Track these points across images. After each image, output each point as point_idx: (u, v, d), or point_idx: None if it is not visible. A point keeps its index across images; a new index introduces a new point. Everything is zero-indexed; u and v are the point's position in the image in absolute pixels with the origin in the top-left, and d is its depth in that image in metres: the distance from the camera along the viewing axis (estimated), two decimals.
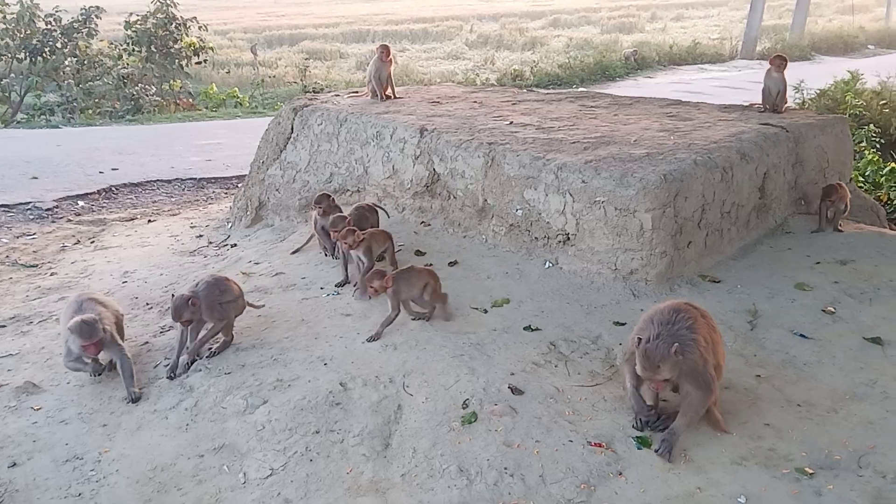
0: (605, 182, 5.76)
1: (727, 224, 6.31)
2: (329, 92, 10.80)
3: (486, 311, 5.55)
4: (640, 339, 4.13)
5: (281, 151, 8.59)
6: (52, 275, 7.91)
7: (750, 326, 5.32)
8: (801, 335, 5.21)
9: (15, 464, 4.61)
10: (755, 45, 31.35)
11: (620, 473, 4.05)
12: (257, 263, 7.03)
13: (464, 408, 4.55)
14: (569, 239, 5.98)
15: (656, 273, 5.70)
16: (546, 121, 7.47)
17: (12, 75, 21.56)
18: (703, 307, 4.52)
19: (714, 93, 19.66)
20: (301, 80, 25.41)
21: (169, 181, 11.73)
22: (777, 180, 6.81)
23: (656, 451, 4.12)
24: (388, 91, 8.65)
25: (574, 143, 6.57)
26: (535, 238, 6.19)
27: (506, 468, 4.12)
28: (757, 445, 4.20)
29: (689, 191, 5.84)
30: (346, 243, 5.92)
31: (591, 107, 8.28)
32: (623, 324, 5.25)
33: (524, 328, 5.28)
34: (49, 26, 21.61)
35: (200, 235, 8.72)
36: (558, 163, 6.06)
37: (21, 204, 10.29)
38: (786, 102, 7.75)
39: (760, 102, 7.86)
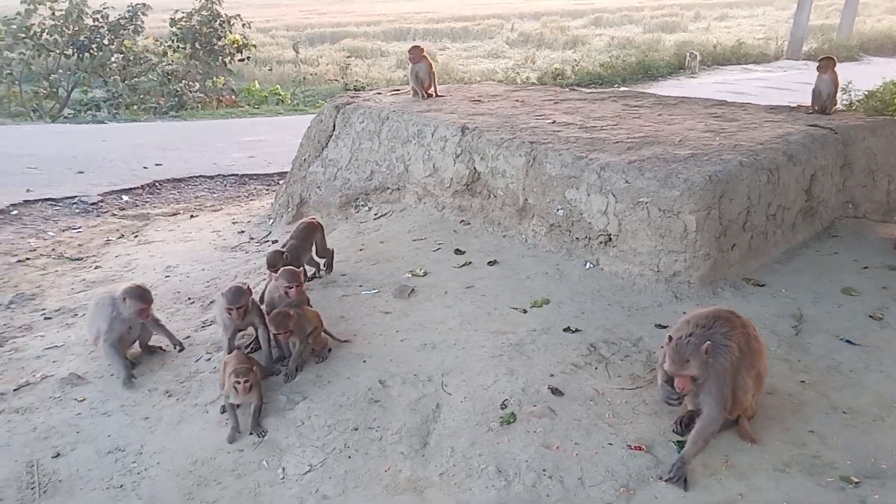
0: (649, 182, 5.69)
1: (772, 227, 6.20)
2: (371, 90, 10.84)
3: (525, 312, 5.51)
4: (671, 336, 4.09)
5: (323, 149, 8.63)
6: (96, 268, 8.04)
7: (794, 331, 5.22)
8: (848, 341, 5.10)
9: (59, 454, 4.69)
10: (801, 45, 30.80)
11: (661, 478, 4.00)
12: None
13: (502, 408, 4.53)
14: (610, 240, 5.92)
15: (699, 275, 5.62)
16: (589, 120, 7.41)
17: (60, 71, 21.99)
18: (746, 312, 4.46)
19: (759, 93, 19.37)
20: (342, 77, 25.55)
21: (211, 177, 11.86)
22: (825, 183, 6.67)
23: (668, 479, 3.99)
24: (430, 89, 8.65)
25: (617, 142, 6.50)
26: (576, 238, 6.15)
27: (544, 470, 4.10)
28: (801, 452, 4.12)
29: (735, 192, 5.75)
30: (286, 330, 5.04)
31: (635, 106, 8.20)
32: (665, 326, 5.18)
33: (564, 329, 5.24)
34: (97, 23, 22.03)
35: (242, 231, 8.79)
36: (601, 162, 6.00)
37: (67, 198, 10.47)
38: (835, 104, 7.59)
39: (808, 104, 7.72)
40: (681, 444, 4.16)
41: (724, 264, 5.78)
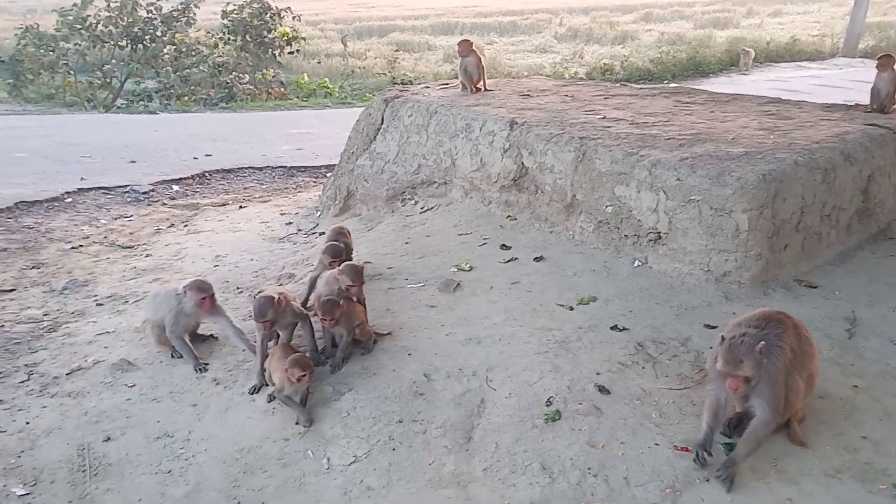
0: (701, 180, 5.61)
1: (827, 227, 6.08)
2: (419, 84, 10.84)
3: (571, 309, 5.48)
4: (723, 336, 4.01)
5: (371, 142, 8.66)
6: (147, 256, 8.17)
7: (848, 335, 5.10)
8: None
9: (109, 438, 4.79)
10: (858, 42, 30.04)
11: (707, 480, 3.95)
12: None
13: (547, 405, 4.51)
14: (660, 238, 5.85)
15: (750, 276, 5.53)
16: (640, 116, 7.33)
17: (114, 62, 22.40)
18: (798, 314, 4.37)
19: (813, 91, 18.93)
20: (389, 71, 25.61)
21: (260, 168, 11.97)
22: (882, 183, 6.51)
23: (716, 476, 3.95)
24: (479, 84, 8.62)
25: (669, 139, 6.42)
26: (625, 236, 6.08)
27: (589, 468, 4.07)
28: (852, 458, 4.04)
29: (789, 192, 5.64)
30: (332, 319, 5.07)
31: (687, 103, 8.08)
32: (714, 327, 5.10)
33: (611, 327, 5.19)
34: (150, 15, 22.37)
35: (290, 223, 8.87)
36: (652, 159, 5.93)
37: (119, 187, 10.65)
38: (894, 103, 7.40)
39: (866, 102, 7.54)
40: (728, 446, 4.10)
41: (776, 265, 5.68)
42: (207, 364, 5.41)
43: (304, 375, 4.60)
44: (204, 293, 5.43)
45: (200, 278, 5.68)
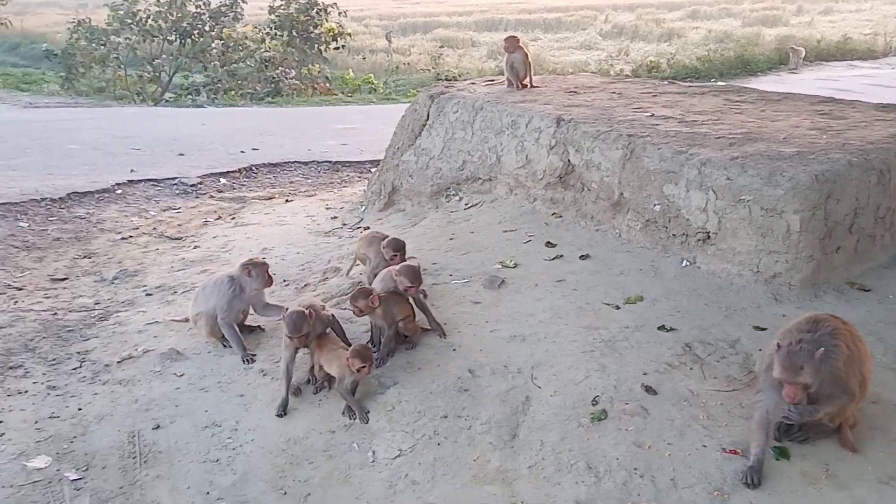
0: (752, 180, 5.52)
1: (881, 230, 5.95)
2: (464, 80, 10.84)
3: (618, 308, 5.43)
4: (779, 344, 3.93)
5: (416, 138, 8.68)
6: (195, 248, 8.30)
7: None
8: None
9: (159, 426, 4.88)
10: None
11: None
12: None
13: (593, 404, 4.49)
14: (709, 237, 5.78)
15: (801, 278, 5.44)
16: (688, 114, 7.24)
17: (163, 56, 22.76)
18: (850, 317, 4.31)
19: (865, 91, 18.53)
20: (433, 67, 25.64)
21: (306, 163, 12.07)
22: None
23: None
24: (526, 80, 8.58)
25: (719, 138, 6.33)
26: (673, 235, 6.02)
27: (635, 468, 4.04)
28: None
29: (842, 193, 5.53)
30: (356, 307, 5.11)
31: (737, 101, 7.96)
32: (764, 329, 5.03)
33: (658, 327, 5.14)
34: (198, 10, 22.70)
35: (335, 217, 8.93)
36: (702, 158, 5.85)
37: (168, 179, 10.82)
38: None
39: None
40: (779, 451, 4.05)
41: (828, 267, 5.57)
42: (255, 355, 5.48)
43: (365, 367, 4.61)
44: (265, 265, 5.67)
45: (254, 257, 5.93)
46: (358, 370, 4.61)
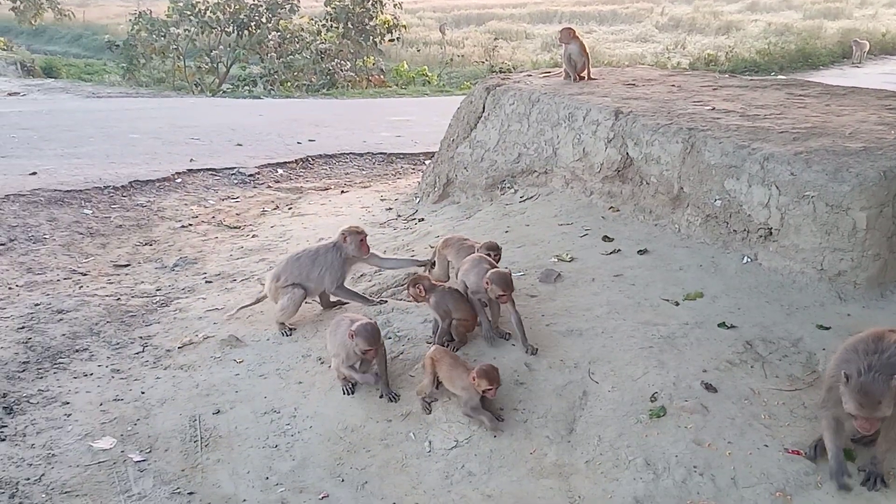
0: (817, 176, 5.40)
1: None
2: (520, 72, 10.79)
3: (677, 304, 5.36)
4: (847, 374, 3.70)
5: (471, 130, 8.67)
6: (253, 237, 8.42)
7: None
8: None
9: (219, 411, 4.97)
10: None
11: (820, 485, 3.82)
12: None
13: (652, 401, 4.44)
14: (771, 234, 5.67)
15: (867, 276, 5.30)
16: (750, 108, 7.10)
17: (221, 47, 23.10)
18: None
19: None
20: (487, 59, 25.58)
21: (361, 154, 12.16)
22: None
23: (865, 483, 3.79)
24: (583, 72, 8.51)
25: (782, 132, 6.20)
26: (734, 231, 5.92)
27: (695, 466, 4.00)
28: None
29: None
30: (410, 294, 5.07)
31: (800, 95, 7.78)
32: (827, 328, 4.92)
33: (718, 324, 5.05)
34: (256, 2, 22.97)
35: (390, 208, 8.98)
36: (765, 153, 5.74)
37: (227, 168, 11.00)
38: None
39: None
40: (848, 452, 3.95)
41: (895, 266, 5.42)
42: (385, 301, 5.78)
43: (491, 389, 4.37)
44: (362, 234, 5.85)
45: (352, 225, 6.10)
46: (484, 391, 4.40)
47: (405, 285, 5.21)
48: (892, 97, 7.73)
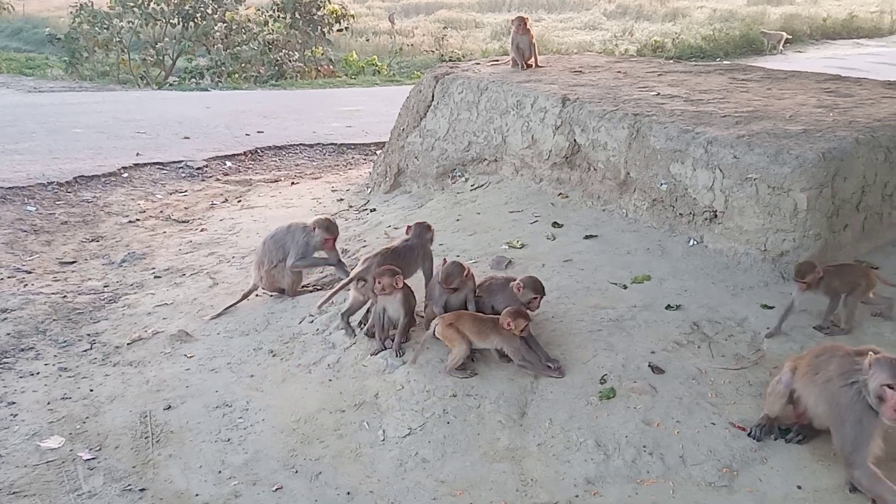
0: (759, 158, 5.51)
1: (888, 208, 5.94)
2: (469, 60, 10.81)
3: (625, 287, 5.45)
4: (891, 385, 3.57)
5: (421, 119, 8.67)
6: (202, 231, 8.32)
7: None
8: None
9: (170, 406, 4.92)
10: None
11: (765, 461, 3.92)
12: (396, 228, 7.15)
13: (601, 383, 4.51)
14: (716, 216, 5.78)
15: (809, 256, 5.42)
16: (694, 93, 7.22)
17: (166, 40, 22.68)
18: None
19: (871, 69, 18.40)
20: (437, 48, 25.54)
21: (311, 145, 12.07)
22: None
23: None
24: (531, 60, 8.56)
25: (725, 116, 6.32)
26: (680, 214, 6.02)
27: (644, 446, 4.07)
28: None
29: (849, 171, 5.52)
30: (380, 284, 4.94)
31: (743, 80, 7.93)
32: (771, 307, 5.05)
33: (666, 306, 5.15)
34: None
35: (341, 199, 8.94)
36: (708, 136, 5.84)
37: (174, 162, 10.84)
38: None
39: None
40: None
41: (836, 245, 5.57)
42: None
43: (527, 325, 4.60)
44: (332, 237, 6.02)
45: (328, 217, 6.27)
46: (521, 331, 4.59)
47: (377, 273, 4.97)
48: (831, 80, 7.92)
